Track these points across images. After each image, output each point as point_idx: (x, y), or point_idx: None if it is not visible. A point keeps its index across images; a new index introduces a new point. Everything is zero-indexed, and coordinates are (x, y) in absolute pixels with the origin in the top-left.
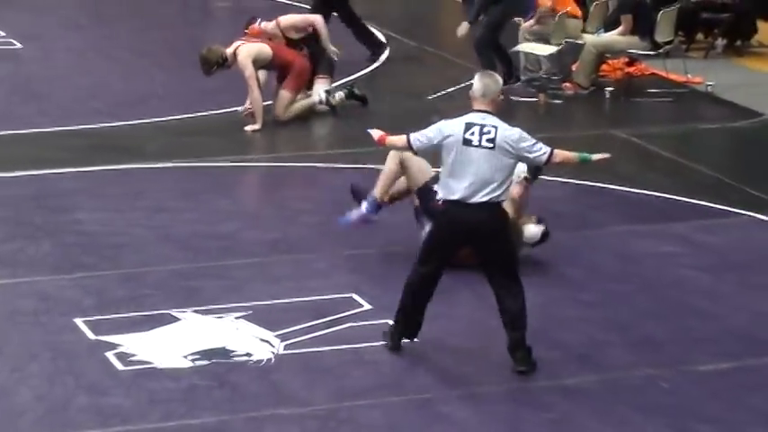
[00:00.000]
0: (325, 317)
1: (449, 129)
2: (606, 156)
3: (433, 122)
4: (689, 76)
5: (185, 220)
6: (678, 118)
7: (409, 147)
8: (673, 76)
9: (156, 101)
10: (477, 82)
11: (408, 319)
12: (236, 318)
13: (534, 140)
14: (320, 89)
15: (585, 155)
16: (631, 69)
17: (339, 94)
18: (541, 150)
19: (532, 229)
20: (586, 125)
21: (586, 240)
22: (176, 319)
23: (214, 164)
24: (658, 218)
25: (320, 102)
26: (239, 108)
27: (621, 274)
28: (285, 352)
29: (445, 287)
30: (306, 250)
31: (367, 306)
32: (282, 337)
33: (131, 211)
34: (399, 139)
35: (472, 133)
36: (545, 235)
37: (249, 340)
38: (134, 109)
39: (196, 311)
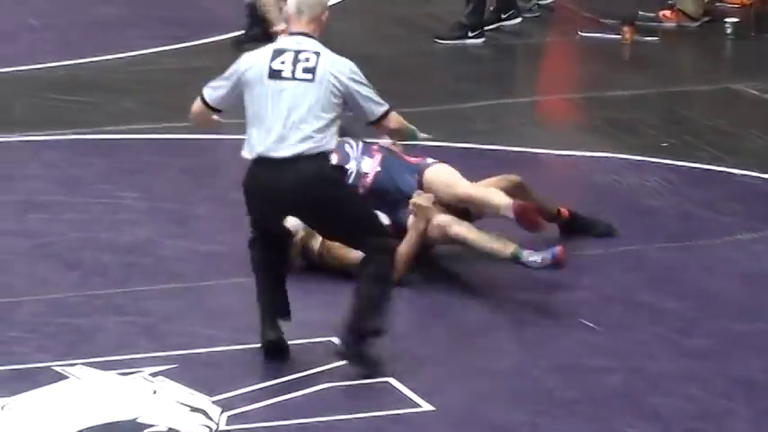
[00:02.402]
0: (289, 373)
1: (249, 60)
2: (426, 136)
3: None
4: None
5: (70, 222)
6: None
7: (204, 104)
8: None
9: (27, 38)
10: None
11: (270, 298)
12: (153, 375)
13: (372, 88)
14: None
15: (414, 129)
16: None
17: None
18: (378, 102)
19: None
20: (695, 76)
21: (694, 255)
22: (60, 377)
23: (114, 136)
24: None
25: None
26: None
27: (749, 307)
28: (228, 428)
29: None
30: None
31: None
32: (224, 405)
33: None
34: (195, 104)
35: (282, 62)
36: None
37: (173, 409)
38: None
39: (90, 364)
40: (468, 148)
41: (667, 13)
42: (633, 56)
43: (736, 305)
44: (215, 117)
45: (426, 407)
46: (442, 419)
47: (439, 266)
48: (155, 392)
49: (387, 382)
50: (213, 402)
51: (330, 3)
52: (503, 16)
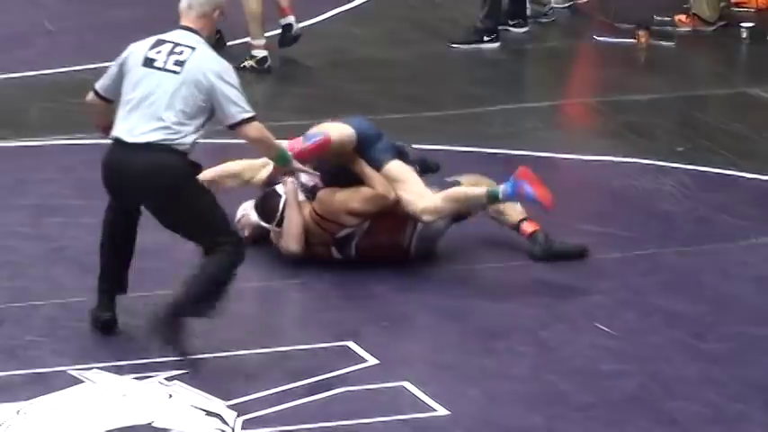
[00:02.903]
0: (305, 377)
1: (131, 48)
2: (311, 171)
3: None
4: None
5: (85, 226)
6: None
7: (95, 94)
8: None
9: (43, 42)
10: None
11: (114, 275)
12: (169, 379)
13: (242, 91)
14: None
15: (284, 150)
16: None
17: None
18: (241, 108)
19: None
20: (710, 80)
21: (710, 259)
22: (76, 381)
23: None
24: None
25: None
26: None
27: (765, 310)
28: None
29: None
30: (274, 272)
31: (371, 360)
32: (239, 410)
33: (4, 213)
34: (89, 95)
35: (159, 52)
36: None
37: (188, 414)
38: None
39: (105, 369)
40: (485, 152)
41: (683, 17)
42: (649, 60)
43: (751, 309)
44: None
45: (441, 411)
46: (457, 423)
47: (452, 270)
48: (170, 396)
49: (402, 386)
50: (228, 406)
51: (347, 7)
52: (510, 22)
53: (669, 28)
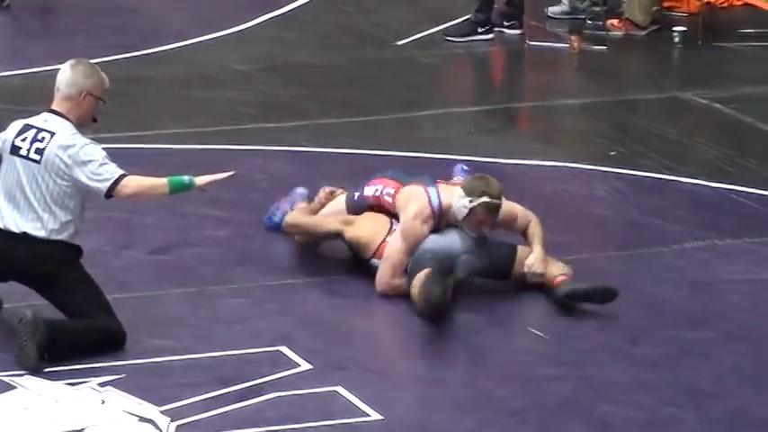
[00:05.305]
0: (237, 382)
1: (7, 130)
2: (226, 175)
3: None
4: None
5: None
6: None
7: None
8: None
9: None
10: (62, 71)
11: None
12: (102, 385)
13: (104, 161)
14: None
15: (182, 179)
16: None
17: None
18: (105, 178)
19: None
20: (643, 84)
21: (642, 264)
22: (8, 387)
23: None
24: (755, 227)
25: None
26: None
27: (697, 315)
28: None
29: None
30: (207, 278)
31: (304, 365)
32: (173, 415)
33: None
34: None
35: (23, 139)
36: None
37: (121, 419)
38: None
39: (38, 375)
40: (417, 156)
41: (615, 22)
42: (581, 65)
43: (684, 313)
44: None
45: (375, 416)
46: (390, 428)
47: None
48: (103, 402)
49: (335, 391)
50: (162, 412)
51: (278, 13)
52: (506, 23)
53: (602, 32)
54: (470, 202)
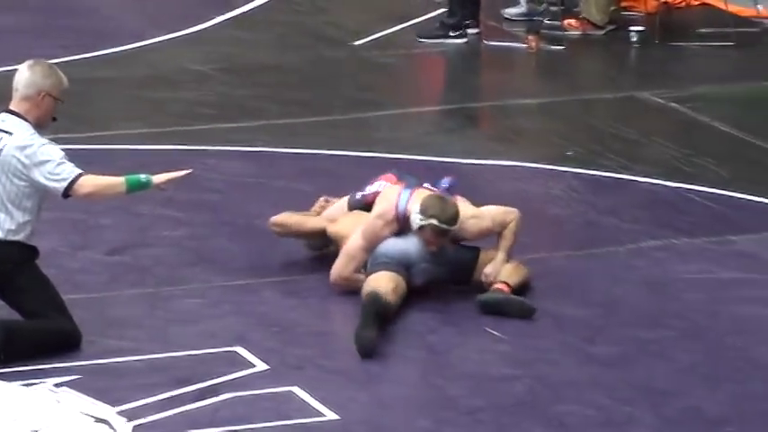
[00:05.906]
0: (193, 383)
1: None
2: (182, 173)
3: None
4: (760, 8)
5: None
6: (742, 72)
7: None
8: (735, 9)
9: None
10: (19, 72)
11: None
12: (56, 385)
13: (62, 161)
14: None
15: (138, 178)
16: None
17: None
18: (62, 178)
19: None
20: (600, 84)
21: (601, 263)
22: None
23: None
24: (712, 226)
25: None
26: None
27: (653, 314)
28: None
29: None
30: (163, 278)
31: (260, 365)
32: (129, 416)
33: None
34: None
35: None
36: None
37: (77, 420)
38: None
39: None
40: (373, 156)
41: (572, 21)
42: (539, 64)
43: (640, 312)
44: None
45: (331, 416)
46: (346, 428)
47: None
48: (58, 403)
49: (291, 391)
50: (118, 413)
51: (234, 13)
52: (451, 33)
53: (559, 32)
54: (420, 220)
